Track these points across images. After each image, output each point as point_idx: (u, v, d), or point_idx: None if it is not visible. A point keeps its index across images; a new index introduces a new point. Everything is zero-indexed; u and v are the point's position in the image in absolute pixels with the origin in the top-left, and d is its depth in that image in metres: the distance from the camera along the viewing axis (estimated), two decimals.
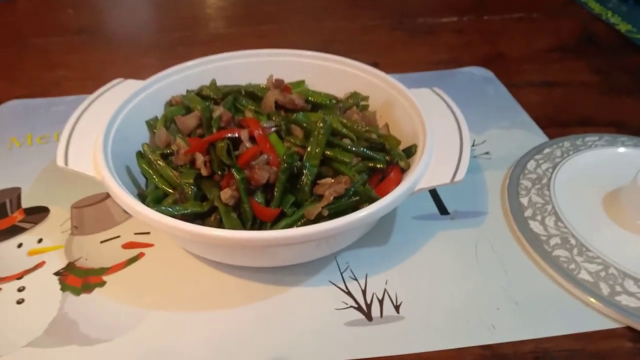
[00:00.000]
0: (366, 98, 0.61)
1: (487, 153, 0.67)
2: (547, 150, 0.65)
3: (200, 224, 0.49)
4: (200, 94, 0.61)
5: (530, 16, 1.04)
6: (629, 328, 0.47)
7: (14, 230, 0.56)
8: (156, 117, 0.60)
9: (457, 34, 0.97)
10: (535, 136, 0.70)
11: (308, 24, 1.01)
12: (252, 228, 0.49)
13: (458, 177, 0.48)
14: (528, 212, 0.57)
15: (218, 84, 0.65)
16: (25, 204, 0.60)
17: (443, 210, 0.59)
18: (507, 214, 0.58)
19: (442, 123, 0.55)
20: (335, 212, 0.50)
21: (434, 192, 0.61)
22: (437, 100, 0.59)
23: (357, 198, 0.50)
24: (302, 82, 0.66)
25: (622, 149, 0.65)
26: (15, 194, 0.61)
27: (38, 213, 0.58)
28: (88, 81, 0.83)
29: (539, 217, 0.56)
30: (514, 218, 0.57)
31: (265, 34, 0.97)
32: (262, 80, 0.65)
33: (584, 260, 0.51)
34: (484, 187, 0.62)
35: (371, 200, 0.49)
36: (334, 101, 0.61)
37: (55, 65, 0.88)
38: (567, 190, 0.59)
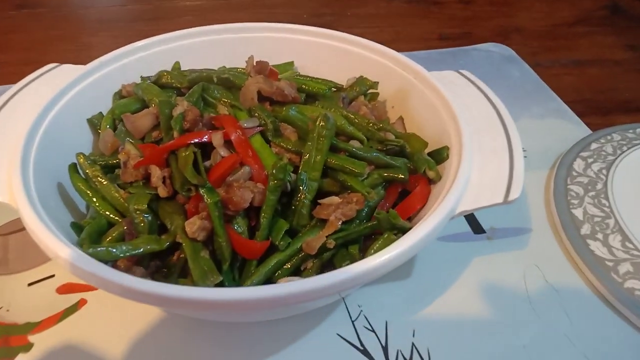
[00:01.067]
0: (375, 84, 0.48)
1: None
2: (594, 146, 0.53)
3: (158, 267, 0.36)
4: (159, 82, 0.47)
5: None
6: None
7: None
8: (101, 113, 0.46)
9: (465, 5, 0.84)
10: (575, 127, 0.58)
11: None
12: (231, 269, 0.36)
13: (513, 195, 0.35)
14: (585, 229, 0.44)
15: (183, 68, 0.50)
16: None
17: (477, 227, 0.46)
18: (558, 231, 0.45)
19: (479, 117, 0.42)
20: (345, 242, 0.37)
21: None
22: (467, 86, 0.46)
23: (374, 223, 0.37)
24: (290, 63, 0.52)
25: None
26: None
27: None
28: (28, 66, 0.67)
29: (600, 236, 0.44)
30: (567, 237, 0.44)
31: (242, 6, 0.82)
32: (239, 64, 0.51)
33: None
34: (524, 194, 0.49)
35: (394, 228, 0.36)
36: (334, 89, 0.47)
37: None
38: (631, 197, 0.47)
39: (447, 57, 0.70)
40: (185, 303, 0.29)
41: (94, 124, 0.46)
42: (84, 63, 0.48)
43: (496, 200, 0.35)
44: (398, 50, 0.48)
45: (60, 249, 0.31)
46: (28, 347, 0.37)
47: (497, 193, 0.35)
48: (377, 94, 0.48)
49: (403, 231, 0.36)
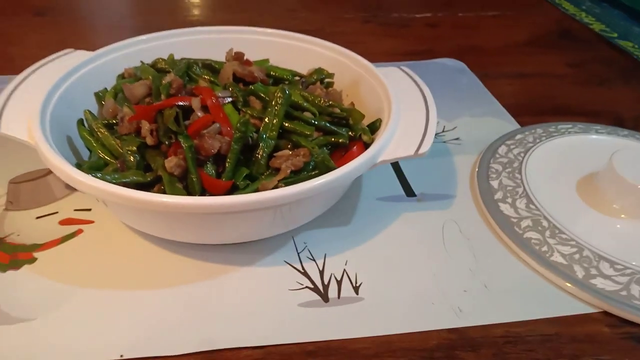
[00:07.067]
0: (331, 75, 0.58)
1: (457, 139, 0.65)
2: (519, 136, 0.63)
3: None
4: (155, 66, 0.57)
5: (504, 14, 1.02)
6: (605, 312, 0.44)
7: None
8: (105, 88, 0.56)
9: (431, 28, 0.95)
10: (508, 124, 0.68)
11: (280, 14, 0.98)
12: None
13: (422, 150, 0.45)
14: (498, 195, 0.54)
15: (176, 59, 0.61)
16: None
17: (410, 192, 0.55)
18: (477, 197, 0.55)
19: (409, 98, 0.52)
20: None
21: (400, 174, 0.57)
22: (404, 78, 0.56)
23: (317, 172, 0.46)
24: (266, 60, 0.63)
25: (595, 136, 0.63)
26: None
27: None
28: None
29: (509, 200, 0.53)
30: (483, 201, 0.53)
31: (236, 23, 0.93)
32: (223, 59, 0.61)
33: (557, 242, 0.48)
34: (453, 170, 0.59)
35: (329, 170, 0.45)
36: (297, 77, 0.57)
37: (10, 44, 0.83)
38: (540, 174, 0.56)
39: (409, 67, 0.80)
40: (166, 206, 0.38)
41: (99, 97, 0.56)
42: None
43: (409, 153, 0.45)
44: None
45: (71, 170, 0.40)
46: (32, 260, 0.46)
47: (410, 148, 0.45)
48: (332, 82, 0.58)
49: None
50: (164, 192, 0.44)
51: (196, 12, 0.99)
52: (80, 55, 0.57)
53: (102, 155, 0.47)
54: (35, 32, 0.88)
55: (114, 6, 1.01)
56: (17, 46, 0.82)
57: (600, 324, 0.43)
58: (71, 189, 0.54)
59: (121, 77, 0.58)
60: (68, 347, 0.39)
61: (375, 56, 0.80)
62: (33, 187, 0.54)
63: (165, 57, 0.61)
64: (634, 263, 0.46)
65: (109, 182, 0.42)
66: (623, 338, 0.42)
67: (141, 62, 0.58)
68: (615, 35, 0.95)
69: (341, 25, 0.94)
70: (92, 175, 0.41)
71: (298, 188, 0.40)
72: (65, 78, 0.52)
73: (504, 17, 1.01)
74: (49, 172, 0.55)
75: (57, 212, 0.51)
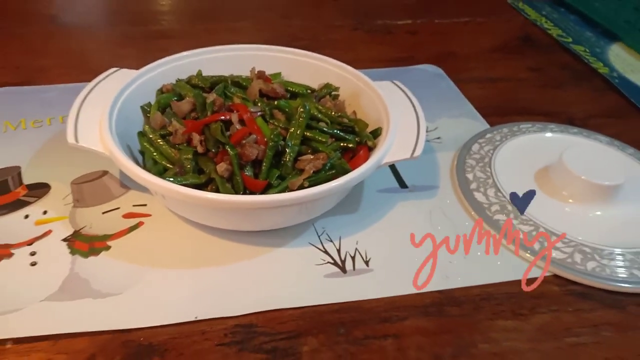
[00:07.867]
0: (337, 89, 0.70)
1: (438, 138, 0.78)
2: (488, 135, 0.77)
3: None
4: (189, 82, 0.68)
5: (475, 20, 1.16)
6: (555, 275, 0.58)
7: (19, 204, 0.62)
8: (149, 102, 0.67)
9: (411, 35, 1.08)
10: (479, 124, 0.81)
11: (276, 22, 1.09)
12: None
13: (416, 153, 0.58)
14: (473, 185, 0.67)
15: (204, 74, 0.72)
16: (27, 180, 0.65)
17: (403, 184, 0.68)
18: (456, 187, 0.68)
19: (402, 109, 0.65)
20: (315, 183, 0.58)
21: (394, 170, 0.70)
22: (397, 91, 0.69)
23: (334, 171, 0.59)
24: (279, 74, 0.74)
25: (549, 134, 0.77)
26: (15, 172, 0.66)
27: (40, 189, 0.64)
28: (73, 70, 0.88)
29: (482, 189, 0.67)
30: (461, 190, 0.67)
31: (238, 30, 1.04)
32: (242, 72, 0.73)
33: (519, 222, 0.62)
34: (437, 165, 0.72)
35: (345, 172, 0.58)
36: (309, 91, 0.69)
37: (38, 54, 0.92)
38: (505, 167, 0.70)
39: (394, 73, 0.92)
40: (230, 204, 0.50)
41: (145, 110, 0.66)
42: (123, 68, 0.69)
43: (406, 156, 0.58)
44: (357, 68, 0.71)
45: (150, 177, 0.51)
46: (107, 248, 0.57)
47: (406, 152, 0.58)
48: (338, 95, 0.71)
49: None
50: (217, 191, 0.56)
51: (202, 21, 1.09)
52: (126, 74, 0.67)
53: (160, 161, 0.59)
54: (55, 39, 0.96)
55: (115, 13, 1.10)
56: (44, 56, 0.91)
57: (552, 284, 0.57)
58: (126, 187, 0.65)
59: (160, 91, 0.69)
60: (152, 313, 0.51)
61: (365, 63, 0.93)
62: (93, 187, 0.65)
63: (194, 72, 0.72)
64: (579, 238, 0.61)
65: (175, 184, 0.54)
66: (568, 294, 0.57)
67: (177, 79, 0.69)
68: (570, 40, 1.09)
69: (333, 33, 1.06)
70: (170, 180, 0.52)
71: (326, 187, 0.52)
72: (119, 95, 0.63)
73: (475, 23, 1.14)
74: (104, 173, 0.66)
75: (119, 208, 0.62)
